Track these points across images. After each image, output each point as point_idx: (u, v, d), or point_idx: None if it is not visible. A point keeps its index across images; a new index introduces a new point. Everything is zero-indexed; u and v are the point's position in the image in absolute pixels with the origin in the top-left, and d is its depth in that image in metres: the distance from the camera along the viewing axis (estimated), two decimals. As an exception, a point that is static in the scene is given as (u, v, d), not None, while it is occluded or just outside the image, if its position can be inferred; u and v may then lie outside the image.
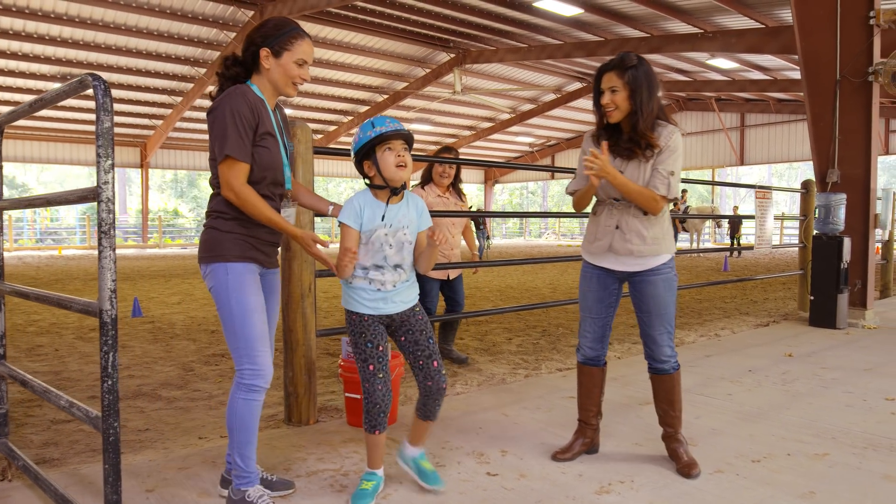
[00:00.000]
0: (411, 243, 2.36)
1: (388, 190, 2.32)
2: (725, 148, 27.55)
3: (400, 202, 2.37)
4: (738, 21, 14.45)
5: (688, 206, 19.40)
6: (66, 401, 2.09)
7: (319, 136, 27.88)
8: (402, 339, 2.41)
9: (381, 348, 2.32)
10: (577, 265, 15.70)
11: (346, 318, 2.36)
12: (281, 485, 2.42)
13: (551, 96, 25.75)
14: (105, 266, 1.83)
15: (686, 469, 2.54)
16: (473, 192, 49.57)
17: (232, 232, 2.24)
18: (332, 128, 27.00)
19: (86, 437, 3.18)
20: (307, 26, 17.41)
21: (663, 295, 2.60)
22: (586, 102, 27.02)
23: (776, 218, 15.91)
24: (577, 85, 24.41)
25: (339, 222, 2.28)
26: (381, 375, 2.30)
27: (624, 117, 2.53)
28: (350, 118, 25.87)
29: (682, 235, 22.95)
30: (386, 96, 23.78)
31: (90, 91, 1.86)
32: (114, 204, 1.87)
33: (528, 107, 27.06)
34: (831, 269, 6.09)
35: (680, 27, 15.61)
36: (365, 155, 2.29)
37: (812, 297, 6.26)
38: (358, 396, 3.11)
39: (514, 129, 29.79)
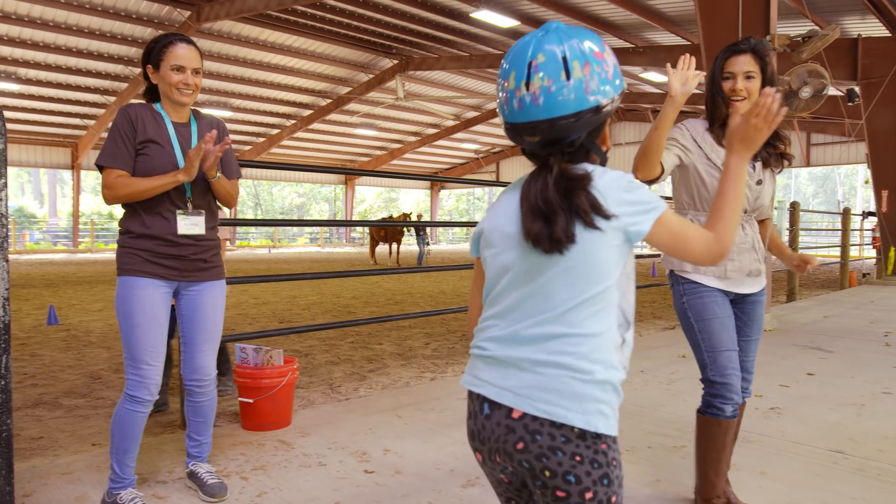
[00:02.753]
0: None
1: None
2: (661, 157, 28.52)
3: None
4: (666, 38, 15.09)
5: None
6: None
7: (262, 139, 27.59)
8: None
9: None
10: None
11: (610, 453, 1.16)
12: (217, 488, 2.47)
13: (495, 104, 26.16)
14: (-1, 276, 2.02)
15: None
16: (420, 197, 49.81)
17: (125, 246, 2.36)
18: (276, 131, 26.74)
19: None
20: (246, 29, 17.30)
21: (763, 316, 2.39)
22: (528, 111, 27.57)
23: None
24: (519, 94, 24.87)
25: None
26: None
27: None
28: (293, 122, 25.68)
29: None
30: (330, 101, 23.73)
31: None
32: (7, 219, 2.10)
33: (472, 114, 27.43)
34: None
35: (613, 41, 16.15)
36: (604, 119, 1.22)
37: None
38: (251, 401, 3.20)
39: (459, 135, 30.13)
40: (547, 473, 1.10)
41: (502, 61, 1.20)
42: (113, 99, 21.13)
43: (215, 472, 2.58)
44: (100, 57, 18.05)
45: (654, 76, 18.99)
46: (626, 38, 15.63)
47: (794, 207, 9.64)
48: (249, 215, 46.80)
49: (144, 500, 2.36)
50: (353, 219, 41.03)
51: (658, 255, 9.75)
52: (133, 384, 2.32)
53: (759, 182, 2.23)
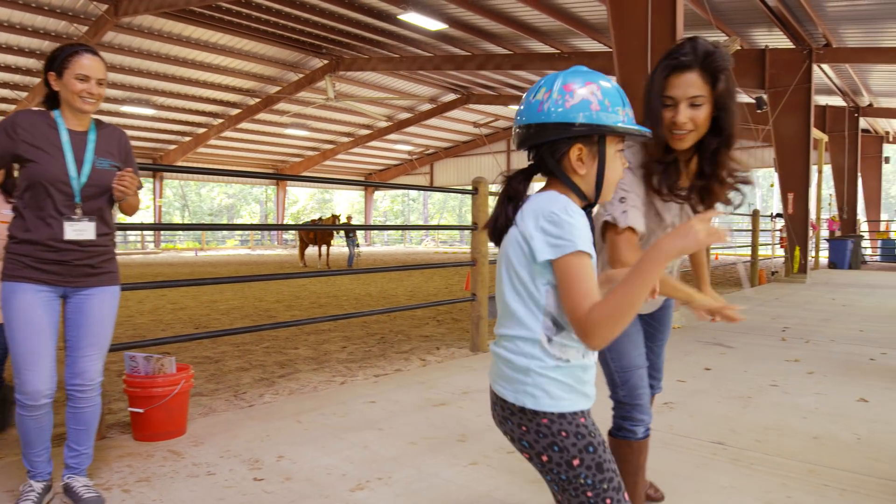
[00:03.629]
0: None
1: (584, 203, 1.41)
2: (590, 160, 29.31)
3: None
4: (590, 44, 15.51)
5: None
6: None
7: (188, 138, 26.74)
8: None
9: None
10: (445, 271, 16.13)
11: (554, 426, 1.32)
12: (93, 502, 2.42)
13: (427, 106, 26.24)
14: None
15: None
16: (355, 198, 49.40)
17: (8, 251, 2.38)
18: (202, 130, 25.97)
19: None
20: (168, 24, 16.73)
21: (671, 317, 2.35)
22: (462, 113, 27.82)
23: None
24: (451, 96, 25.03)
25: (579, 251, 1.26)
26: None
27: (693, 143, 1.79)
28: (220, 121, 25.00)
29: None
30: (258, 100, 23.23)
31: None
32: None
33: (404, 115, 27.41)
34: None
35: (540, 47, 16.50)
36: (591, 134, 1.32)
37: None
38: (142, 411, 3.10)
39: (392, 136, 30.06)
40: (509, 437, 1.39)
41: None
42: (25, 94, 20.02)
43: (93, 486, 2.49)
44: (9, 50, 17.06)
45: (580, 81, 19.45)
46: (551, 44, 15.96)
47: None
48: (177, 217, 45.27)
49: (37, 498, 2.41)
50: (286, 220, 40.30)
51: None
52: (17, 389, 2.36)
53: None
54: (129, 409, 3.13)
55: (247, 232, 36.81)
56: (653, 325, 2.29)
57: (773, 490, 2.58)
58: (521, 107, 1.36)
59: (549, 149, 1.34)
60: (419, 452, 2.98)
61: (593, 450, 1.32)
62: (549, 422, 1.31)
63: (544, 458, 1.32)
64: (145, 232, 32.18)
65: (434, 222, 51.64)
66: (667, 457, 2.92)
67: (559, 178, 1.36)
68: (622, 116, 1.32)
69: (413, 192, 50.87)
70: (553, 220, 1.26)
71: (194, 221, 45.64)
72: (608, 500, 1.32)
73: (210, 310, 8.76)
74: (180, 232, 34.83)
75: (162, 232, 32.97)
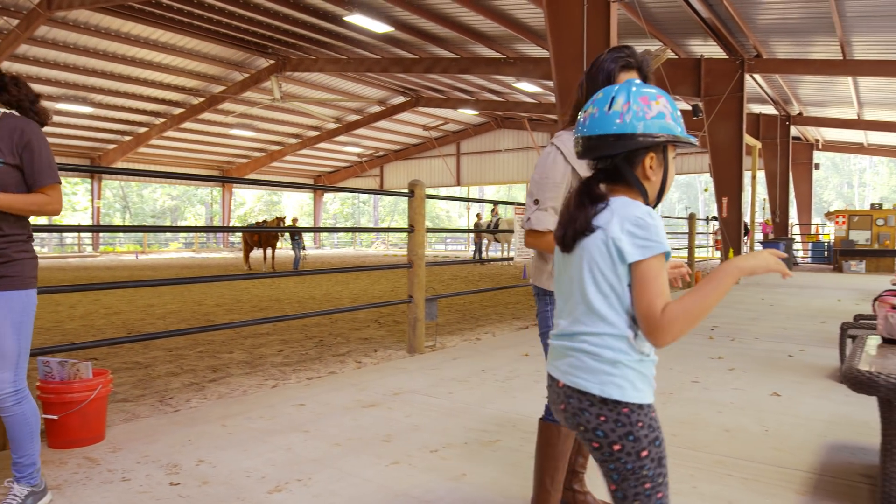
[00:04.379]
0: None
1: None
2: (538, 164, 29.80)
3: None
4: (535, 50, 15.76)
5: (498, 219, 20.68)
6: None
7: (128, 137, 25.94)
8: None
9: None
10: (393, 274, 16.13)
11: (633, 416, 1.39)
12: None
13: (376, 108, 26.18)
14: None
15: None
16: (304, 200, 48.82)
17: None
18: (143, 129, 25.23)
19: None
20: (106, 20, 16.24)
21: None
22: (411, 116, 27.86)
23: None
24: (400, 98, 25.05)
25: (663, 252, 1.38)
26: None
27: None
28: (162, 120, 24.34)
29: (495, 245, 24.41)
30: (202, 99, 22.73)
31: None
32: None
33: (354, 117, 27.26)
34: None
35: (486, 51, 16.69)
36: (650, 148, 1.42)
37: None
38: (56, 417, 3.01)
39: (342, 138, 29.85)
40: (581, 428, 1.41)
41: None
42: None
43: (22, 495, 2.41)
44: (-69, 42, 16.22)
45: (526, 86, 19.75)
46: (497, 49, 16.17)
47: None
48: (117, 219, 43.80)
49: None
50: (232, 223, 39.51)
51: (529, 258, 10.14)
52: None
53: None
54: (43, 416, 3.04)
55: (191, 234, 35.90)
56: None
57: (680, 481, 2.70)
58: (593, 117, 1.40)
59: (627, 157, 1.41)
60: (342, 453, 2.99)
61: (659, 444, 1.39)
62: (629, 411, 1.37)
63: (616, 447, 1.37)
64: (83, 234, 31.03)
65: (384, 225, 51.49)
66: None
67: (633, 185, 1.43)
68: (683, 126, 1.44)
69: (363, 195, 50.62)
70: (640, 224, 1.34)
71: (135, 223, 44.32)
72: (660, 494, 1.39)
73: (146, 314, 8.53)
74: (120, 234, 33.72)
75: (101, 234, 31.85)
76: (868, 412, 3.58)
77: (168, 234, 37.11)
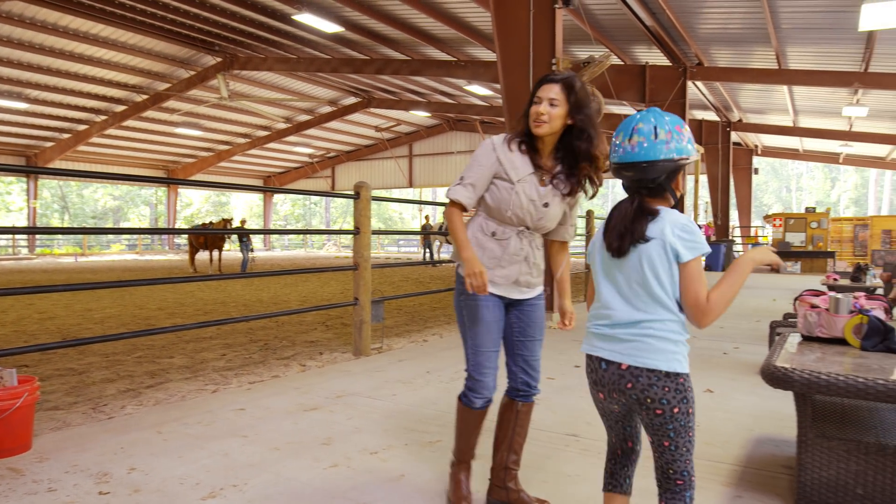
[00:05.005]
0: None
1: None
2: (489, 167, 30.04)
3: None
4: (485, 53, 15.90)
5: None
6: None
7: (67, 135, 24.99)
8: None
9: None
10: (343, 276, 16.00)
11: (686, 383, 1.74)
12: None
13: (328, 109, 25.94)
14: None
15: None
16: (254, 200, 47.94)
17: None
18: (83, 127, 24.35)
19: None
20: (43, 13, 15.63)
21: (542, 319, 2.53)
22: (363, 117, 27.72)
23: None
24: (352, 99, 24.89)
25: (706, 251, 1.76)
26: None
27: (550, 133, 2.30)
28: (104, 118, 23.55)
29: (447, 247, 24.48)
30: (146, 96, 22.09)
31: None
32: None
33: (304, 118, 26.95)
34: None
35: (437, 54, 16.75)
36: (677, 170, 1.76)
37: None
38: (-23, 426, 2.89)
39: (292, 138, 29.47)
40: (649, 400, 1.71)
41: (621, 126, 1.77)
42: None
43: None
44: None
45: (478, 89, 19.90)
46: (448, 52, 16.25)
47: (588, 216, 10.61)
48: (55, 220, 42.11)
49: None
50: (178, 224, 38.51)
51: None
52: None
53: (546, 205, 2.34)
54: (-36, 426, 2.91)
55: (134, 236, 34.80)
56: (522, 320, 2.48)
57: (613, 477, 2.77)
58: (642, 146, 1.71)
59: (670, 176, 1.73)
60: (280, 458, 2.96)
61: (694, 403, 1.76)
62: (683, 381, 1.72)
63: (676, 409, 1.71)
64: (18, 236, 29.69)
65: (336, 226, 51.00)
66: (525, 451, 3.06)
67: (671, 197, 1.77)
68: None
69: (314, 196, 50.04)
70: (687, 229, 1.68)
71: (75, 225, 42.70)
72: (692, 437, 1.75)
73: (83, 319, 8.24)
74: (59, 236, 32.44)
75: (38, 236, 30.57)
76: (792, 406, 3.75)
77: (110, 236, 35.88)
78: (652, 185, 1.73)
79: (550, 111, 2.25)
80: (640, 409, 1.73)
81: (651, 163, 1.69)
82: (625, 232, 1.72)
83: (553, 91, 2.26)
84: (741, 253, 22.75)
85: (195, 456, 2.97)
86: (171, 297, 11.12)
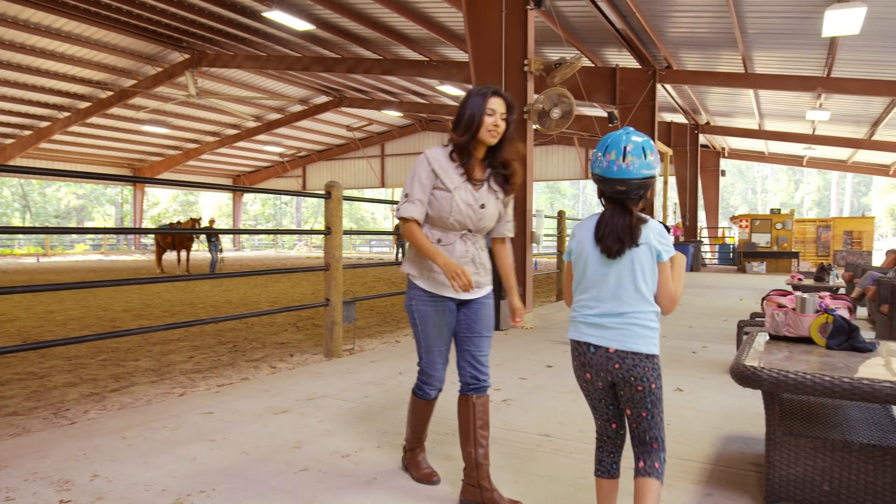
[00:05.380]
0: None
1: None
2: (462, 167, 30.08)
3: None
4: (458, 54, 15.90)
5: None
6: None
7: (28, 132, 24.31)
8: None
9: None
10: (315, 276, 15.85)
11: (658, 362, 2.05)
12: None
13: (298, 107, 25.68)
14: None
15: None
16: (223, 200, 47.25)
17: None
18: (45, 124, 23.69)
19: None
20: (3, 6, 15.12)
21: (491, 316, 2.68)
22: (334, 116, 27.52)
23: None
24: (323, 98, 24.68)
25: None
26: None
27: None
28: (67, 114, 22.95)
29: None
30: (111, 93, 21.59)
31: None
32: None
33: (275, 116, 26.63)
34: (495, 279, 6.98)
35: (409, 53, 16.69)
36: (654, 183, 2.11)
37: (481, 304, 7.11)
38: (-70, 433, 2.77)
39: (262, 137, 29.10)
40: (633, 378, 2.00)
41: (603, 140, 2.02)
42: None
43: None
44: None
45: (450, 89, 19.89)
46: (420, 52, 16.21)
47: (560, 216, 10.69)
48: (16, 220, 40.94)
49: None
50: (146, 223, 37.78)
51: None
52: None
53: (483, 206, 2.52)
54: (-85, 434, 2.79)
55: (99, 236, 34.03)
56: (470, 317, 2.61)
57: (586, 476, 2.77)
58: (636, 164, 1.96)
59: (649, 188, 2.01)
60: (250, 462, 2.91)
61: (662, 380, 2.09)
62: (657, 360, 2.03)
63: (653, 385, 2.01)
64: (-24, 235, 28.81)
65: (308, 226, 50.54)
66: (495, 450, 3.05)
67: (644, 207, 2.06)
68: None
69: (285, 196, 49.51)
70: (664, 235, 2.02)
71: (37, 224, 41.63)
72: (662, 408, 2.06)
73: (45, 321, 8.01)
74: (20, 236, 31.53)
75: (-3, 235, 29.71)
76: (760, 404, 3.81)
77: (74, 236, 35.03)
78: (635, 196, 2.00)
79: (500, 124, 2.48)
80: (624, 386, 2.02)
81: (643, 179, 1.98)
82: (623, 238, 2.00)
83: (503, 107, 2.49)
84: (707, 254, 23.15)
85: (161, 461, 2.90)
86: (137, 298, 10.88)
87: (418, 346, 2.64)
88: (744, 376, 2.22)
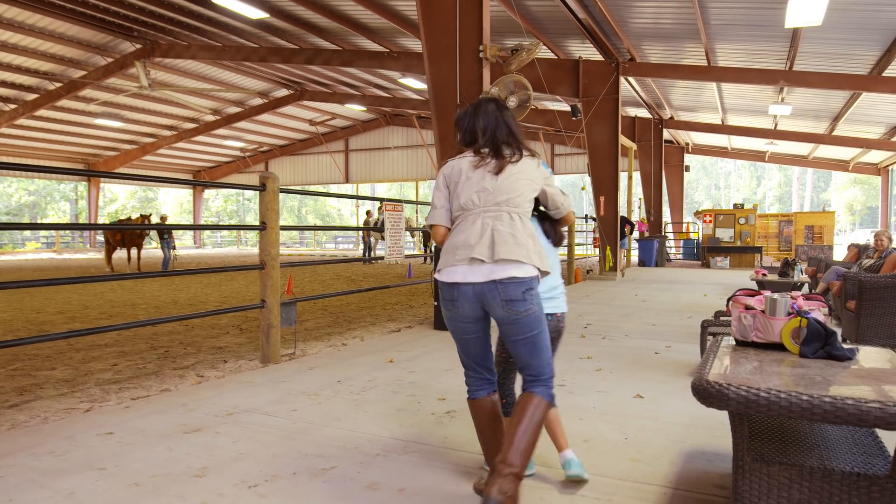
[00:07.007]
0: None
1: None
2: (426, 162, 29.65)
3: None
4: (418, 45, 15.44)
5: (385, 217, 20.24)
6: None
7: (-29, 125, 23.10)
8: None
9: None
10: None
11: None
12: None
13: (258, 101, 24.94)
14: None
15: None
16: (183, 196, 46.01)
17: None
18: (-11, 116, 22.54)
19: None
20: (-67, -11, 14.20)
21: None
22: (295, 110, 26.82)
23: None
24: (283, 91, 24.00)
25: None
26: None
27: None
28: (13, 107, 21.87)
29: (383, 244, 23.98)
30: (60, 84, 20.61)
31: None
32: None
33: (234, 110, 25.83)
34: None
35: (369, 44, 16.22)
36: None
37: (435, 303, 6.73)
38: None
39: (222, 131, 28.24)
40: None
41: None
42: None
43: None
44: None
45: (413, 82, 19.45)
46: (380, 42, 15.75)
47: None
48: (-36, 216, 39.23)
49: None
50: (102, 220, 36.54)
51: (420, 258, 9.72)
52: None
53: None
54: None
55: (52, 233, 32.77)
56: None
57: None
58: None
59: None
60: (138, 496, 2.47)
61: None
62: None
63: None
64: (-83, 233, 27.40)
65: (273, 223, 49.46)
66: (430, 474, 2.68)
67: None
68: None
69: (249, 192, 48.55)
70: None
71: (-13, 221, 40.02)
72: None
73: (-36, 325, 7.38)
74: (-34, 233, 30.16)
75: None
76: (724, 413, 3.50)
77: (26, 233, 33.68)
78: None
79: None
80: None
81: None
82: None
83: None
84: (672, 249, 23.17)
85: (30, 499, 2.44)
86: (76, 298, 10.24)
87: (548, 354, 2.52)
88: (707, 394, 1.87)
